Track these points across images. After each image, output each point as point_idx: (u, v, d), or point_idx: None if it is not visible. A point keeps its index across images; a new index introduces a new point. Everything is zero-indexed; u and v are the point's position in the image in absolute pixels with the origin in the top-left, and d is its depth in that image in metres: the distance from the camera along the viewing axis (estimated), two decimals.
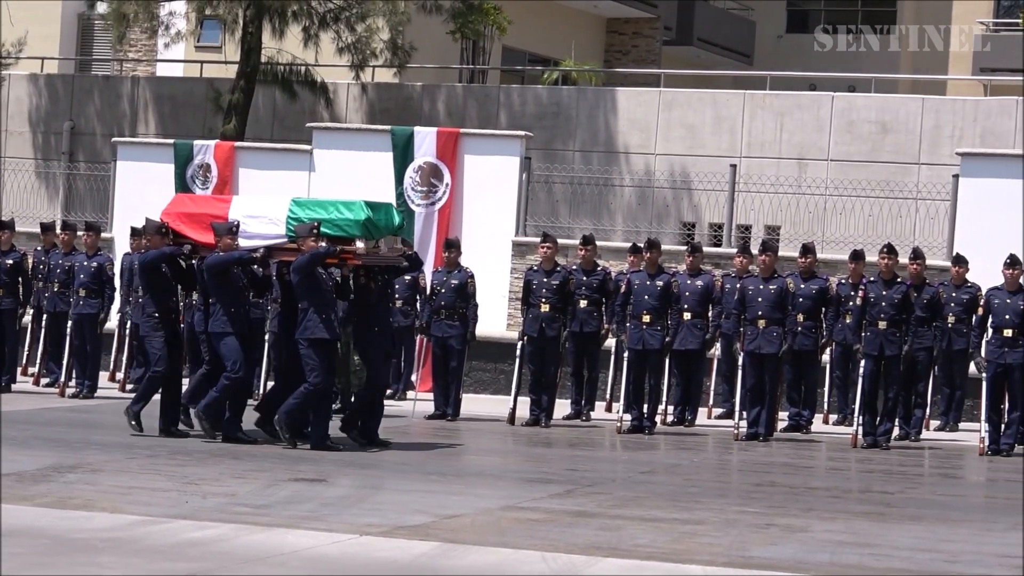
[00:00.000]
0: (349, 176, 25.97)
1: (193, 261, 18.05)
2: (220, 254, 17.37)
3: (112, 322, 23.26)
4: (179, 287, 18.53)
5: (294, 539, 11.93)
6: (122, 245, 25.00)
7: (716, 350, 21.99)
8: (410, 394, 23.07)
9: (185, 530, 12.12)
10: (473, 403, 22.44)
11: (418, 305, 22.03)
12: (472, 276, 21.47)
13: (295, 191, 26.00)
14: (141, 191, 26.84)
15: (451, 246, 21.77)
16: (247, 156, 27.12)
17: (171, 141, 28.07)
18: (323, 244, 17.02)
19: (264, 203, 18.40)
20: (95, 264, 22.45)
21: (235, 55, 33.58)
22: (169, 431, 18.11)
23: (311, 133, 27.39)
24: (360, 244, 17.46)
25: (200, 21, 35.41)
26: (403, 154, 25.84)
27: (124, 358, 23.51)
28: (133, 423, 18.02)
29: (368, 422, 17.91)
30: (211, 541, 11.73)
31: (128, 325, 23.20)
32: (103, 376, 23.28)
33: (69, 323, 22.45)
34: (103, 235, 24.36)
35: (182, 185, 26.63)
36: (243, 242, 17.48)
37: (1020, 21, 40.21)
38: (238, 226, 17.48)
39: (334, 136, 27.46)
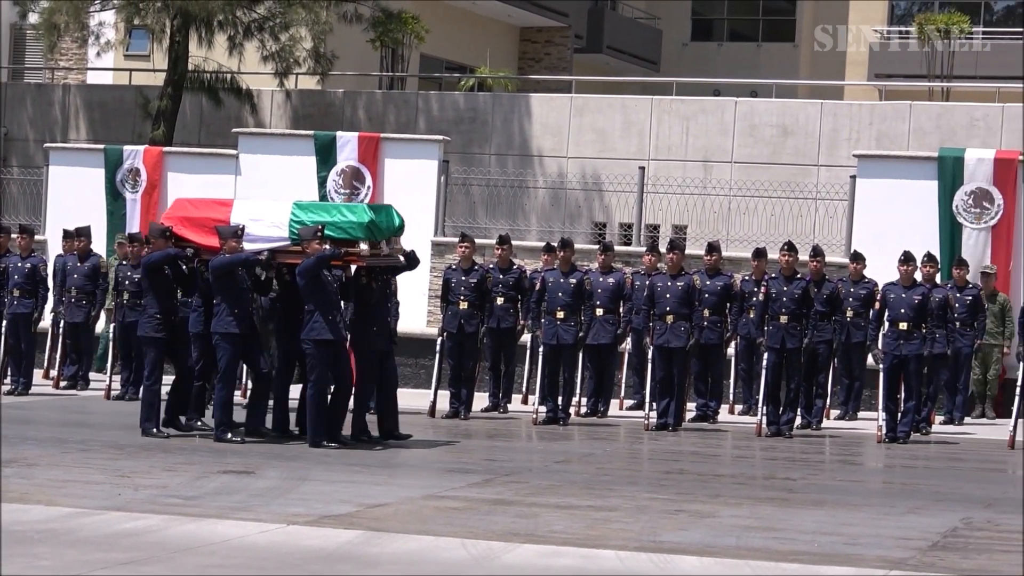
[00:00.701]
0: (274, 179, 25.88)
1: (195, 264, 17.69)
2: (226, 256, 17.02)
3: (46, 321, 23.07)
4: (179, 289, 18.16)
5: (223, 529, 11.89)
6: (55, 247, 24.81)
7: (627, 344, 22.03)
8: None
9: (118, 521, 12.06)
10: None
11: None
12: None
13: (221, 194, 25.90)
14: (73, 195, 26.74)
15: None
16: (175, 161, 26.97)
17: (102, 147, 27.86)
18: (327, 246, 16.76)
19: (266, 207, 18.06)
20: (29, 265, 22.25)
21: (163, 63, 33.47)
22: (176, 425, 17.94)
23: (237, 138, 27.25)
24: (364, 246, 17.24)
25: (128, 30, 35.20)
26: (326, 158, 25.77)
27: (58, 356, 23.32)
28: (155, 431, 17.55)
29: (385, 421, 17.72)
30: (143, 532, 11.67)
31: (61, 324, 23.04)
32: (37, 373, 23.08)
33: (3, 322, 22.27)
34: (36, 237, 24.16)
35: (112, 189, 26.49)
36: (247, 245, 17.19)
37: (913, 29, 40.44)
38: (243, 229, 17.18)
39: (259, 141, 27.32)
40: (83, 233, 23.05)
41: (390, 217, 17.81)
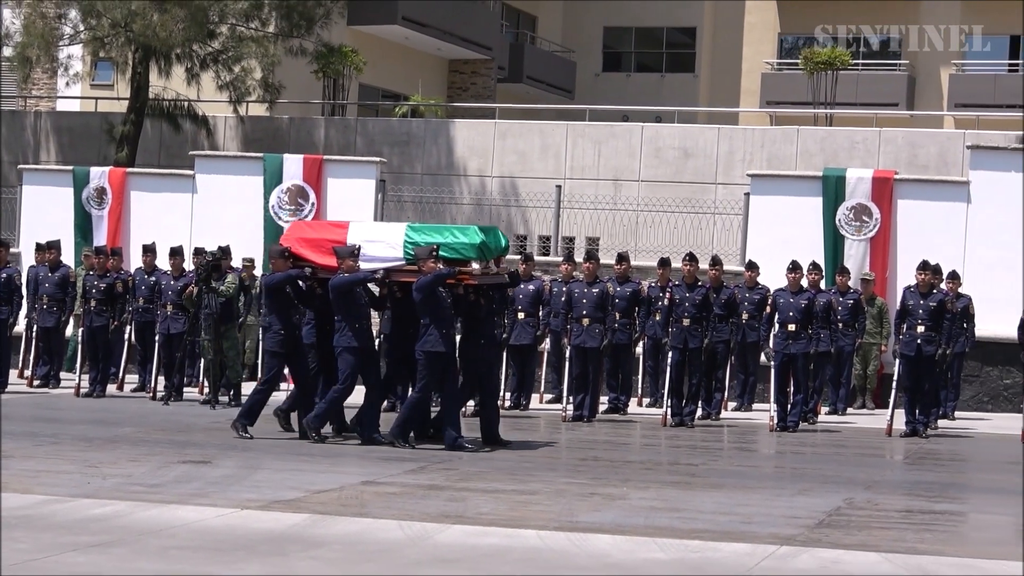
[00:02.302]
0: (226, 197, 25.79)
1: (311, 283, 17.19)
2: (345, 275, 16.56)
3: (20, 326, 22.90)
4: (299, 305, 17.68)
5: (183, 514, 11.84)
6: (28, 259, 24.63)
7: (546, 345, 22.06)
8: (283, 385, 22.92)
9: (87, 507, 11.99)
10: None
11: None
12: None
13: (180, 211, 25.92)
14: (44, 212, 26.54)
15: None
16: (137, 180, 26.76)
17: (70, 168, 27.63)
18: (442, 266, 16.27)
19: (380, 228, 17.70)
20: (4, 275, 22.01)
21: (126, 92, 33.37)
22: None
23: (194, 160, 27.10)
24: (475, 265, 16.71)
25: (95, 63, 35.08)
26: (273, 178, 25.69)
27: (32, 357, 23.16)
28: (240, 431, 17.05)
29: (488, 426, 17.02)
30: (110, 517, 11.61)
31: (35, 329, 22.89)
32: (13, 374, 22.85)
33: None
34: (12, 250, 24.01)
35: (80, 207, 26.31)
36: (364, 265, 16.69)
37: (799, 61, 40.69)
38: (359, 250, 16.70)
39: (213, 162, 27.17)
40: (53, 246, 22.90)
41: (497, 238, 17.33)
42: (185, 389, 21.66)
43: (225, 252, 21.06)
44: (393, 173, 30.27)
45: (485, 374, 17.14)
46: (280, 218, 25.42)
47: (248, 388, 22.11)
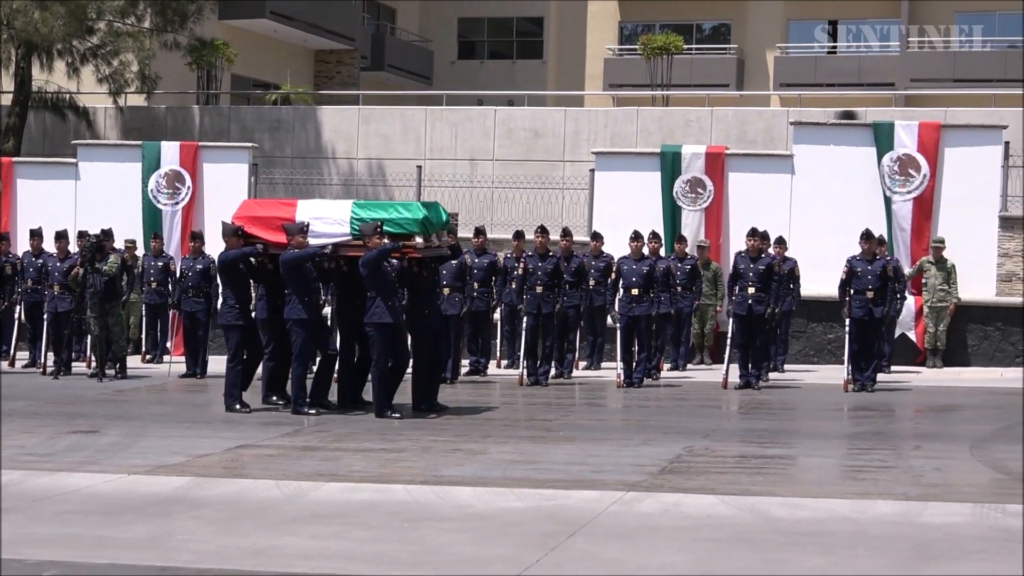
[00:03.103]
0: (107, 183, 25.43)
1: (263, 259, 16.74)
2: (294, 251, 16.20)
3: None
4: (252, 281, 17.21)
5: (74, 480, 11.71)
6: None
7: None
8: (166, 358, 22.79)
9: None
10: (219, 364, 22.15)
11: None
12: (214, 261, 21.12)
13: (64, 197, 25.53)
14: None
15: (196, 237, 21.47)
16: (23, 169, 26.30)
17: None
18: (387, 240, 15.96)
19: (327, 206, 17.21)
20: None
21: (10, 86, 32.72)
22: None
23: (76, 149, 26.72)
24: (418, 239, 16.34)
25: None
26: (151, 164, 25.38)
27: None
28: (237, 407, 16.59)
29: (420, 391, 16.63)
30: (6, 485, 11.42)
31: None
32: None
33: None
34: None
35: None
36: (312, 241, 16.34)
37: (638, 47, 40.96)
38: (308, 226, 16.33)
39: (95, 151, 26.78)
40: None
41: (438, 213, 16.96)
42: (73, 364, 21.38)
43: (107, 234, 20.82)
44: (265, 157, 30.05)
45: (429, 342, 16.78)
46: (158, 201, 25.15)
47: (133, 361, 22.01)
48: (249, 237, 16.76)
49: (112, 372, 20.45)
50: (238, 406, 16.61)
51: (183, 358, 21.44)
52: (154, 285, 22.61)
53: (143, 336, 23.27)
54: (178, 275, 21.62)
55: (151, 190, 25.26)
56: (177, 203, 25.23)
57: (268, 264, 16.83)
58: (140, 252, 23.36)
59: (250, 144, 27.01)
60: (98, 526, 10.01)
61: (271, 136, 32.46)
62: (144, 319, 23.15)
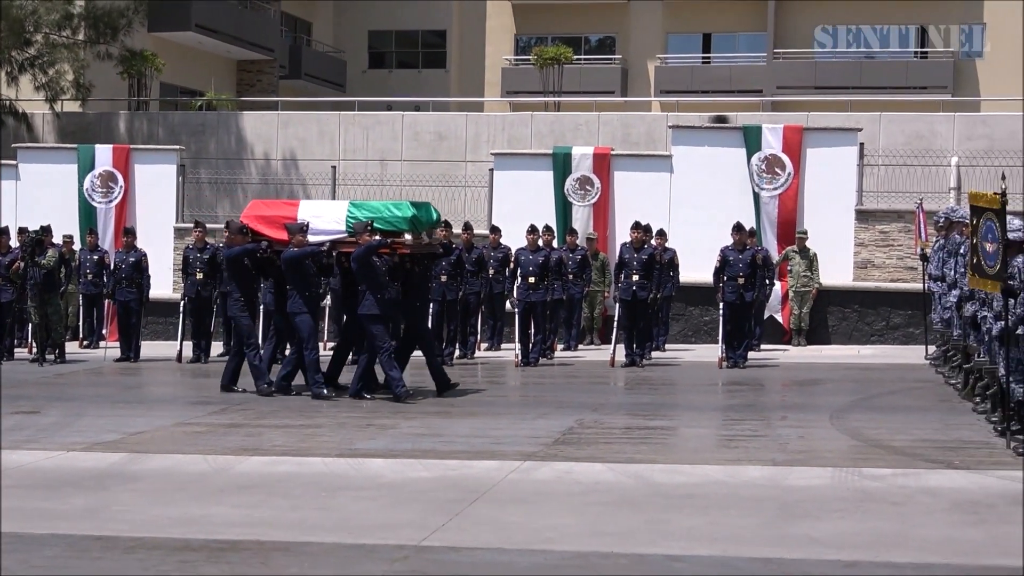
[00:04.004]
0: (46, 183, 25.19)
1: (268, 254, 16.41)
2: (295, 249, 15.94)
3: None
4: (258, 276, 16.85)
5: (17, 458, 11.57)
6: None
7: (328, 302, 21.92)
8: (102, 343, 22.57)
9: None
10: (150, 348, 22.02)
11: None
12: (145, 255, 21.06)
13: (5, 196, 25.23)
14: None
15: (128, 232, 21.31)
16: None
17: None
18: (377, 237, 15.71)
19: (326, 206, 16.94)
20: None
21: None
22: (229, 389, 16.50)
23: (16, 151, 26.34)
24: (408, 236, 16.11)
25: None
26: (86, 165, 25.10)
27: None
28: (265, 387, 16.19)
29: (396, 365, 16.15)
30: None
31: None
32: None
33: None
34: None
35: None
36: (311, 238, 16.10)
37: (532, 58, 41.01)
38: (308, 226, 16.08)
39: (34, 153, 26.45)
40: None
41: (428, 213, 16.71)
42: (15, 350, 21.11)
43: (46, 230, 20.58)
44: (192, 158, 29.75)
45: (421, 331, 16.62)
46: (93, 200, 24.95)
47: (71, 347, 21.76)
48: (256, 235, 16.58)
49: (51, 357, 20.20)
50: (265, 386, 16.23)
51: (118, 344, 21.23)
52: (90, 277, 22.39)
53: (80, 324, 23.01)
54: (112, 267, 21.42)
55: (86, 189, 25.02)
56: (111, 201, 25.03)
57: (276, 260, 16.59)
58: (77, 247, 23.13)
59: (178, 147, 26.84)
60: (40, 499, 9.91)
61: (197, 139, 32.14)
62: (81, 308, 22.91)
